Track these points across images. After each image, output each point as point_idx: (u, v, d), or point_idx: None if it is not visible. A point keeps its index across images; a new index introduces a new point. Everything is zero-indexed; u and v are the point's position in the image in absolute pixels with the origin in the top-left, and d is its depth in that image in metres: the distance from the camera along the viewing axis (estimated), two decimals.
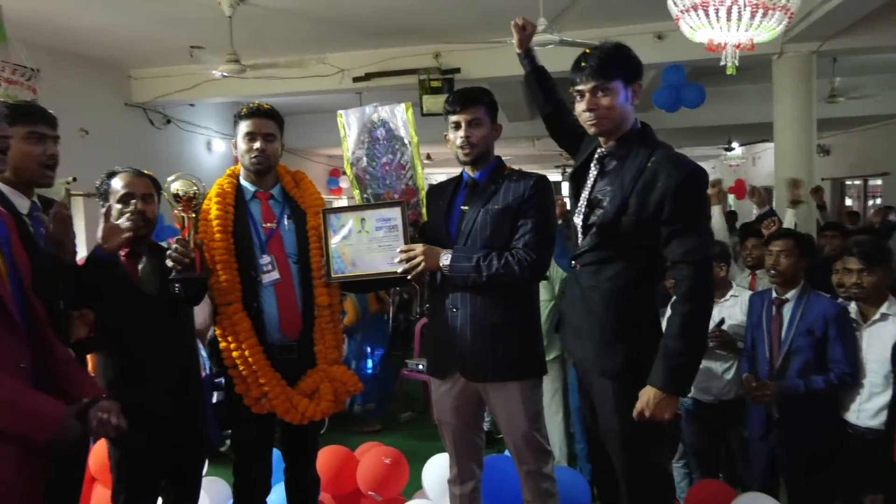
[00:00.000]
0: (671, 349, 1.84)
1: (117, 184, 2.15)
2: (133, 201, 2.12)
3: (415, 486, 3.07)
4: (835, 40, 5.46)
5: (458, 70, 5.83)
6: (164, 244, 2.17)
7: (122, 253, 2.15)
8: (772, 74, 5.89)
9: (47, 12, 4.67)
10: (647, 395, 1.85)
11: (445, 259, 2.12)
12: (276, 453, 2.48)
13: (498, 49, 5.64)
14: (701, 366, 2.91)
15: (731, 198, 16.11)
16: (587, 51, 1.94)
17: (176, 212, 2.06)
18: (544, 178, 2.24)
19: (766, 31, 2.94)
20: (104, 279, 2.04)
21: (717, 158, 15.55)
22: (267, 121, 2.27)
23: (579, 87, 1.93)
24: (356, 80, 6.00)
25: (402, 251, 2.17)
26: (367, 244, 2.21)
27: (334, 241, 2.23)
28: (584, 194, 2.04)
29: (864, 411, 2.56)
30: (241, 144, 2.27)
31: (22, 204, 1.95)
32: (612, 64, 1.90)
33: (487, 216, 2.16)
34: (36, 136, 1.92)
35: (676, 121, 8.11)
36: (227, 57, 4.72)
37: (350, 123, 2.28)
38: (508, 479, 2.51)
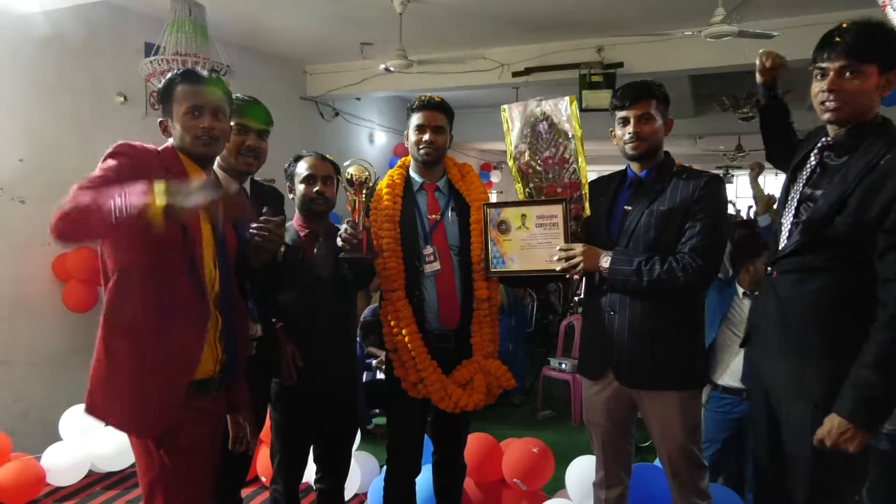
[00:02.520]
0: (863, 379, 1.63)
1: (301, 167, 2.34)
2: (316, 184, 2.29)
3: (554, 485, 3.04)
4: None
5: (620, 64, 5.64)
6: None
7: (301, 234, 2.34)
8: None
9: (242, 14, 5.14)
10: (831, 424, 1.67)
11: (605, 261, 2.06)
12: (426, 437, 2.57)
13: (662, 42, 5.40)
14: None
15: None
16: (844, 25, 1.69)
17: (348, 194, 2.19)
18: (717, 177, 2.10)
19: None
20: (288, 259, 2.22)
21: None
22: (437, 113, 2.33)
23: (823, 65, 1.70)
24: (515, 74, 5.99)
25: (561, 249, 2.14)
26: (526, 240, 2.21)
27: (494, 235, 2.25)
28: (797, 187, 1.82)
29: None
30: (412, 136, 2.35)
31: (232, 189, 2.16)
32: (872, 44, 1.66)
33: (652, 217, 2.07)
34: (240, 127, 2.13)
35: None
36: (396, 52, 4.92)
37: (514, 118, 2.29)
38: (657, 490, 2.41)
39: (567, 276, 2.17)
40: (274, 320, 2.26)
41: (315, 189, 2.29)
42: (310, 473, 2.62)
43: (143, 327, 1.59)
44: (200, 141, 1.71)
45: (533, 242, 2.20)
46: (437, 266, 2.30)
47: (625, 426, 2.27)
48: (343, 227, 2.18)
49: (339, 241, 2.17)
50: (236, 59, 4.93)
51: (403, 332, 2.26)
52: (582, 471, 2.77)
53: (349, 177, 2.17)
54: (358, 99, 7.68)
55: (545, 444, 3.00)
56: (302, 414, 2.31)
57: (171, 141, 1.76)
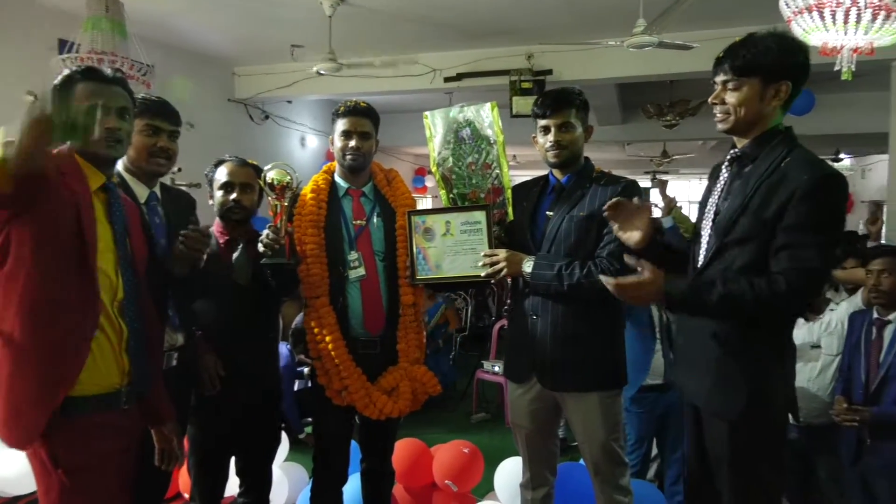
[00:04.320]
0: (704, 287, 1.67)
1: (220, 173, 2.28)
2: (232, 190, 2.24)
3: (486, 487, 3.07)
4: None
5: (549, 72, 5.76)
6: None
7: (221, 241, 2.27)
8: (890, 82, 5.47)
9: (165, 12, 4.97)
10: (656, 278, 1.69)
11: (527, 266, 2.10)
12: (354, 444, 2.54)
13: (589, 51, 5.54)
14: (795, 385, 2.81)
15: None
16: (738, 39, 1.74)
17: (270, 199, 2.15)
18: (633, 183, 2.17)
19: (888, 34, 2.72)
20: (202, 266, 2.15)
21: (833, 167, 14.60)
22: (363, 119, 2.32)
23: (714, 80, 1.78)
24: (447, 80, 6.03)
25: (485, 255, 2.16)
26: (451, 247, 2.22)
27: (419, 242, 2.25)
28: (713, 200, 1.83)
29: None
30: (338, 141, 2.33)
31: (141, 193, 2.07)
32: (754, 59, 1.69)
33: (572, 223, 2.12)
34: (151, 129, 2.05)
35: None
36: (325, 55, 4.86)
37: (436, 124, 2.31)
38: (582, 488, 2.47)
39: (491, 281, 2.20)
40: (194, 328, 2.19)
41: (232, 197, 2.24)
42: (234, 487, 2.55)
43: (20, 333, 1.49)
44: (103, 142, 1.63)
45: (458, 249, 2.22)
46: (361, 272, 2.28)
47: (549, 428, 2.31)
48: (265, 232, 2.13)
49: (260, 247, 2.13)
50: (159, 58, 4.76)
51: (327, 339, 2.23)
52: (510, 472, 2.81)
53: (270, 181, 2.13)
54: (289, 102, 7.55)
55: (475, 446, 3.02)
56: (220, 426, 2.24)
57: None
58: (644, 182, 17.88)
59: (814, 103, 5.70)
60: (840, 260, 3.64)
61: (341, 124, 2.31)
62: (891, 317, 2.64)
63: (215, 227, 2.32)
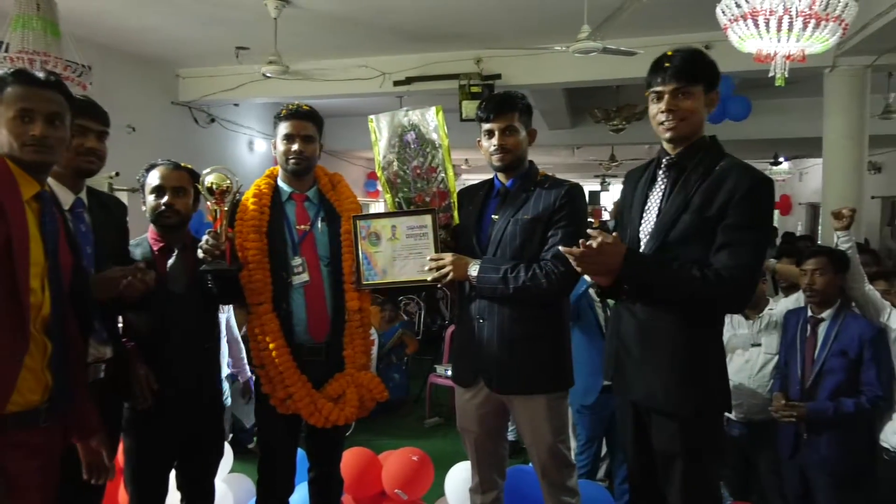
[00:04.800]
0: (664, 265, 1.77)
1: (152, 177, 2.21)
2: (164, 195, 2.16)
3: (438, 492, 3.05)
4: (891, 54, 5.26)
5: (498, 76, 5.81)
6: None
7: (154, 248, 2.20)
8: (823, 88, 5.71)
9: (101, 11, 4.81)
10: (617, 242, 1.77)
11: (473, 270, 2.10)
12: (301, 453, 2.49)
13: (539, 56, 5.61)
14: (735, 382, 2.90)
15: (775, 213, 15.74)
16: (669, 52, 1.85)
17: (209, 204, 2.09)
18: (577, 186, 2.18)
19: (818, 42, 2.84)
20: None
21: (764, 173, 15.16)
22: (306, 122, 2.28)
23: (658, 89, 1.84)
24: (397, 83, 6.02)
25: (431, 259, 2.15)
26: (397, 251, 2.20)
27: (365, 247, 2.22)
28: (654, 202, 1.91)
29: None
30: (280, 145, 2.28)
31: (66, 198, 1.98)
32: (696, 67, 1.82)
33: (517, 226, 2.12)
34: (78, 128, 1.96)
35: (722, 133, 7.89)
36: (270, 58, 4.79)
37: (381, 128, 2.29)
38: (532, 491, 2.47)
39: (438, 286, 2.19)
40: (125, 340, 2.11)
41: (163, 201, 2.16)
42: (175, 502, 2.46)
43: None
44: (29, 149, 1.55)
45: (404, 253, 2.20)
46: (305, 277, 2.24)
47: (497, 431, 2.31)
48: (204, 238, 2.07)
49: (199, 253, 2.06)
50: (97, 59, 4.60)
51: (270, 346, 2.18)
52: (460, 477, 2.79)
53: (209, 185, 2.07)
54: (236, 105, 7.41)
55: (424, 453, 2.99)
56: (156, 440, 2.16)
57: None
58: (593, 185, 18.24)
59: (750, 109, 5.89)
60: (776, 258, 3.79)
61: (283, 128, 2.27)
62: (824, 315, 2.74)
63: (149, 233, 2.25)
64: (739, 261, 1.72)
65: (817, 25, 2.73)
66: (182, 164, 2.27)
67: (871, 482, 2.61)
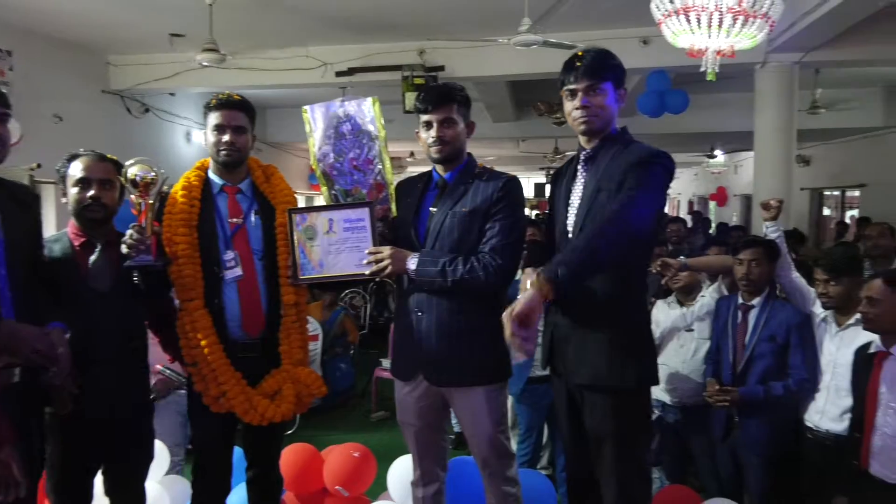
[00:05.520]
0: (569, 256, 1.80)
1: (75, 168, 2.10)
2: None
3: (383, 486, 3.03)
4: (817, 52, 5.50)
5: (442, 68, 5.79)
6: None
7: (76, 244, 2.09)
8: (755, 84, 5.92)
9: None
10: (538, 279, 1.78)
11: (412, 263, 2.09)
12: (239, 451, 2.43)
13: (484, 48, 5.62)
14: (670, 368, 2.98)
15: (711, 205, 16.28)
16: (579, 52, 1.97)
17: (133, 197, 2.00)
18: (514, 179, 2.20)
19: (746, 38, 2.93)
20: (55, 274, 1.98)
21: (700, 165, 15.65)
22: (237, 112, 2.21)
23: (572, 87, 1.95)
24: (339, 74, 5.93)
25: (369, 253, 2.13)
26: (334, 245, 2.16)
27: (301, 241, 2.17)
28: (577, 194, 2.02)
29: (827, 413, 2.62)
30: (210, 136, 2.22)
31: None
32: (605, 65, 1.95)
33: (455, 219, 2.12)
34: None
35: (660, 126, 8.14)
36: (206, 45, 4.64)
37: (315, 119, 2.24)
38: (473, 481, 2.48)
39: (376, 279, 2.17)
40: None
41: (89, 194, 2.06)
42: None
43: None
44: None
45: (341, 247, 2.16)
46: (238, 272, 2.18)
47: (438, 424, 2.30)
48: (128, 232, 1.98)
49: (123, 248, 1.98)
50: (18, 44, 4.37)
51: (203, 343, 2.11)
52: (403, 471, 2.78)
53: (133, 178, 1.98)
54: (172, 95, 7.16)
55: (366, 448, 2.97)
56: (79, 445, 2.06)
57: None
58: (539, 177, 18.47)
59: (688, 103, 6.05)
60: (705, 247, 3.91)
61: (214, 118, 2.20)
62: (754, 302, 2.83)
63: (70, 228, 2.14)
64: (622, 203, 1.82)
65: (745, 22, 2.82)
66: (107, 156, 2.17)
67: (796, 460, 2.73)
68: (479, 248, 2.10)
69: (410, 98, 5.69)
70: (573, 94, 1.95)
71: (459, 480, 2.54)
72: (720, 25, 2.83)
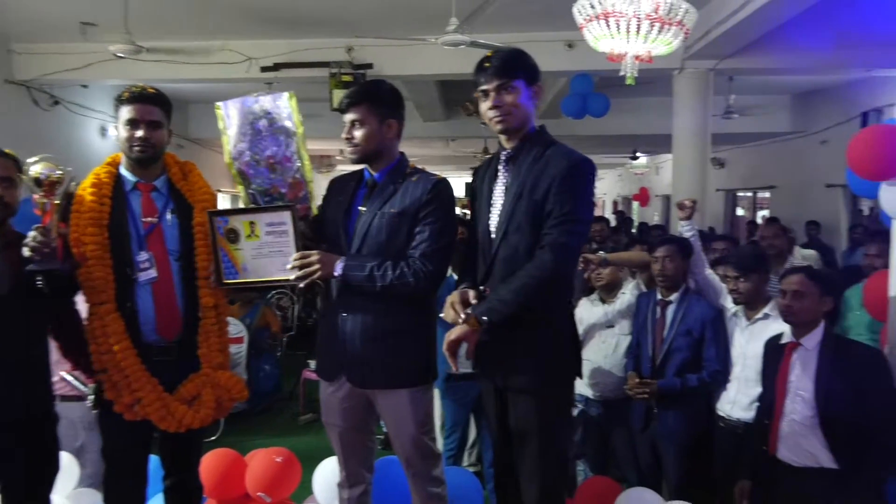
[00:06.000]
0: (500, 296, 1.90)
1: None
2: None
3: (309, 490, 2.98)
4: (731, 60, 5.78)
5: (370, 66, 5.75)
6: None
7: None
8: (673, 89, 6.16)
9: None
10: (468, 318, 1.89)
11: (339, 268, 2.05)
12: (156, 460, 2.33)
13: (411, 47, 5.62)
14: (592, 363, 3.07)
15: (634, 205, 16.88)
16: (489, 53, 2.00)
17: (37, 197, 1.88)
18: (443, 181, 2.17)
19: (663, 44, 3.05)
20: None
21: (624, 167, 16.19)
22: (152, 107, 2.11)
23: (484, 87, 1.98)
24: (264, 69, 5.79)
25: (296, 258, 2.07)
26: (257, 249, 2.09)
27: (223, 244, 2.10)
28: (498, 195, 2.04)
29: (738, 403, 2.76)
30: (122, 131, 2.11)
31: None
32: (515, 64, 1.97)
33: (383, 220, 2.09)
34: None
35: (585, 129, 8.37)
36: (120, 36, 4.42)
37: (230, 115, 2.15)
38: (401, 481, 2.47)
39: (303, 284, 2.11)
40: None
41: None
42: None
43: None
44: None
45: (265, 251, 2.09)
46: (152, 273, 2.08)
47: (363, 425, 2.27)
48: (31, 234, 1.86)
49: (25, 251, 1.85)
50: None
51: (115, 348, 2.01)
52: (329, 473, 2.74)
53: (36, 176, 1.86)
54: (84, 86, 6.80)
55: (290, 452, 2.91)
56: None
57: None
58: (470, 178, 18.62)
59: (609, 106, 6.24)
60: (628, 246, 4.05)
61: (126, 112, 2.10)
62: (672, 298, 2.95)
63: None
64: (558, 238, 1.89)
65: (662, 28, 2.93)
66: (6, 151, 2.03)
67: (709, 448, 2.86)
68: (409, 253, 2.08)
69: (338, 95, 5.62)
70: (486, 94, 1.98)
71: (386, 480, 2.53)
72: (638, 31, 2.93)
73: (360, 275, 2.04)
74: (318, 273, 2.05)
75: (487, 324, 1.87)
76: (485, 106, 2.00)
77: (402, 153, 2.23)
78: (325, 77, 5.71)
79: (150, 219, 2.12)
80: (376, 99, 2.13)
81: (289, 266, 2.07)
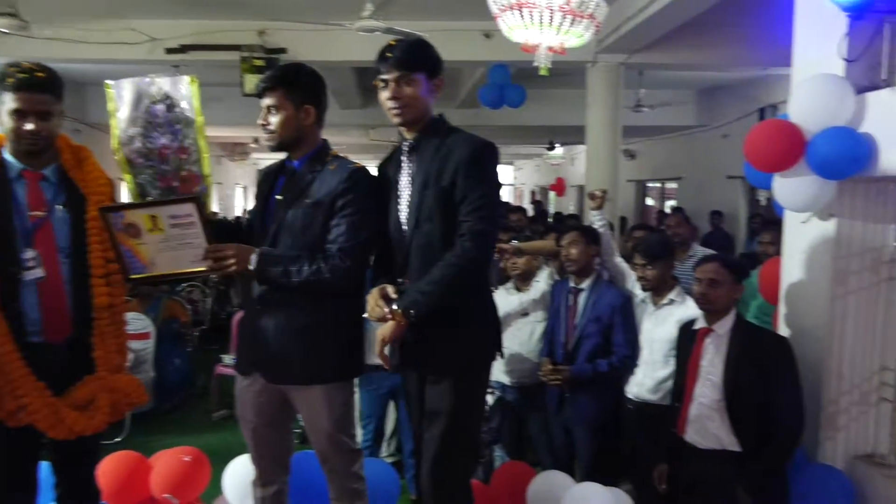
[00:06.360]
0: (422, 287, 1.89)
1: None
2: None
3: (221, 489, 2.87)
4: (640, 54, 5.99)
5: (284, 50, 5.58)
6: None
7: None
8: (586, 82, 6.33)
9: None
10: (394, 311, 1.88)
11: (253, 262, 1.96)
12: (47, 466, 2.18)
13: (327, 32, 5.49)
14: (509, 350, 3.12)
15: (552, 195, 17.30)
16: (392, 42, 1.96)
17: None
18: (361, 170, 2.07)
19: (574, 36, 3.11)
20: None
21: (541, 157, 16.52)
22: (42, 95, 1.90)
23: (384, 77, 1.94)
24: (170, 51, 5.50)
25: (209, 251, 1.96)
26: (163, 243, 1.96)
27: (123, 240, 1.95)
28: (404, 187, 2.01)
29: (645, 385, 2.86)
30: (7, 120, 1.90)
31: None
32: (416, 56, 1.95)
33: (299, 211, 2.02)
34: None
35: (503, 119, 8.48)
36: (5, 10, 4.08)
37: (122, 96, 1.97)
38: (318, 476, 2.41)
39: (216, 275, 2.02)
40: None
41: None
42: None
43: None
44: None
45: (172, 244, 1.97)
46: (39, 273, 1.91)
47: (278, 421, 2.20)
48: None
49: None
50: None
51: None
52: (241, 471, 2.65)
53: None
54: None
55: (198, 451, 2.80)
56: None
57: None
58: None
59: (525, 97, 6.33)
60: (544, 235, 4.13)
61: (11, 101, 1.88)
62: (583, 285, 3.03)
63: None
64: (480, 224, 1.88)
65: (574, 21, 2.99)
66: None
67: (617, 429, 2.97)
68: (327, 247, 2.00)
69: (250, 80, 5.42)
70: (386, 84, 1.94)
71: (308, 474, 2.46)
72: (551, 22, 2.98)
73: (274, 270, 1.96)
74: (233, 267, 1.96)
75: (414, 317, 1.85)
76: (384, 95, 1.96)
77: (324, 140, 2.14)
78: (237, 61, 5.49)
79: (37, 213, 1.95)
80: (293, 84, 2.04)
81: (200, 257, 1.97)
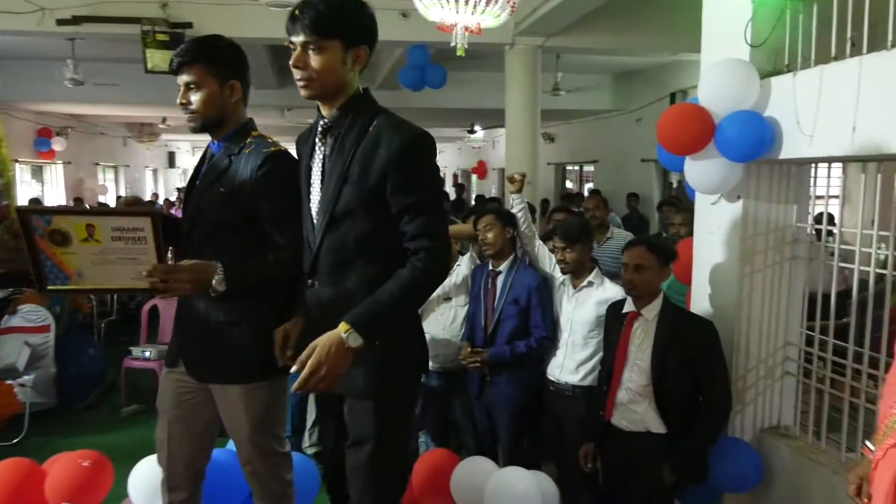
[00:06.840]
0: (375, 305, 1.60)
1: None
2: None
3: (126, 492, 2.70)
4: (557, 38, 6.04)
5: (189, 25, 5.26)
6: None
7: None
8: (505, 64, 6.32)
9: None
10: (340, 328, 1.55)
11: (221, 284, 1.77)
12: None
13: (237, 7, 5.24)
14: (431, 335, 3.08)
15: (474, 178, 17.40)
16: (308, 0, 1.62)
17: None
18: (277, 154, 1.86)
19: (491, 16, 3.07)
20: None
21: (462, 140, 16.56)
22: None
23: (292, 39, 1.63)
24: (61, 22, 5.07)
25: (159, 270, 1.74)
26: (99, 254, 1.79)
27: (45, 247, 1.77)
28: (316, 174, 1.74)
29: (566, 367, 2.88)
30: None
31: None
32: (333, 19, 1.59)
33: (213, 198, 1.88)
34: None
35: (423, 101, 8.38)
36: None
37: None
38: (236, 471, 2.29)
39: (155, 294, 1.83)
40: None
41: None
42: None
43: None
44: None
45: (110, 257, 1.79)
46: None
47: (196, 419, 2.03)
48: None
49: None
50: None
51: None
52: (149, 472, 2.48)
53: None
54: None
55: (99, 454, 2.61)
56: None
57: None
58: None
59: (446, 79, 6.26)
60: (465, 219, 4.11)
61: None
62: (501, 268, 3.03)
63: None
64: (423, 220, 1.62)
65: (489, 1, 2.94)
66: None
67: (539, 411, 3.00)
68: (276, 247, 1.87)
69: (154, 57, 5.10)
70: (294, 48, 1.63)
71: (221, 471, 2.34)
72: (467, 2, 2.92)
73: (248, 281, 1.83)
74: (188, 292, 1.79)
75: (362, 332, 1.55)
76: (291, 62, 1.65)
77: (249, 119, 1.97)
78: (137, 35, 5.14)
79: None
80: (214, 57, 1.86)
81: (144, 275, 1.76)
